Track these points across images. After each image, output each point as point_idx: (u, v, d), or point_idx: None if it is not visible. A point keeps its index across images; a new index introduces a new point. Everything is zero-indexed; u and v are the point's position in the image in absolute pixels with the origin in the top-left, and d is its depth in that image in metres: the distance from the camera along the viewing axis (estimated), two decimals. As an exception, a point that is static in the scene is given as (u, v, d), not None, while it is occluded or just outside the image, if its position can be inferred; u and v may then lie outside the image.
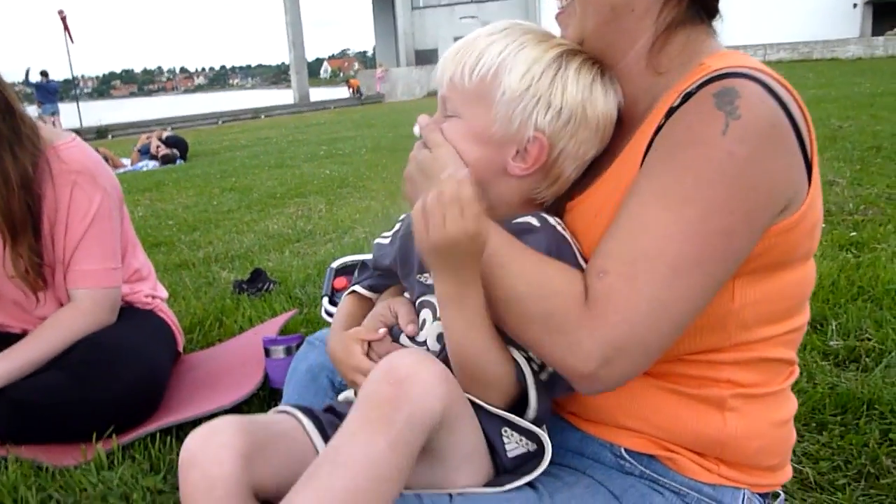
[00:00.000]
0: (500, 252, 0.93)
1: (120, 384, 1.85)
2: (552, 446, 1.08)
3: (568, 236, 1.01)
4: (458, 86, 1.01)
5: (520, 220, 1.03)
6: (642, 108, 0.99)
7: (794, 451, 1.59)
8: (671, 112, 0.90)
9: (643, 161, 0.92)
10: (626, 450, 1.02)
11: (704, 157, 0.84)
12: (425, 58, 32.15)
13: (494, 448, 1.01)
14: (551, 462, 1.06)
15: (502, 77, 0.98)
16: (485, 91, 0.99)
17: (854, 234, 3.24)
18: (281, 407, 1.13)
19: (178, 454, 1.68)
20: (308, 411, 1.10)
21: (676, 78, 0.95)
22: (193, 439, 0.98)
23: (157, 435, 1.82)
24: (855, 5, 25.62)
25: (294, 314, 2.65)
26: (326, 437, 1.01)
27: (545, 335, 0.89)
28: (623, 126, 1.03)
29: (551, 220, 1.03)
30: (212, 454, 0.96)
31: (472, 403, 0.99)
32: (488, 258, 0.91)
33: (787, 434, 1.06)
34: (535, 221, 1.02)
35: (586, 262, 0.98)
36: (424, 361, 0.90)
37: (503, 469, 1.02)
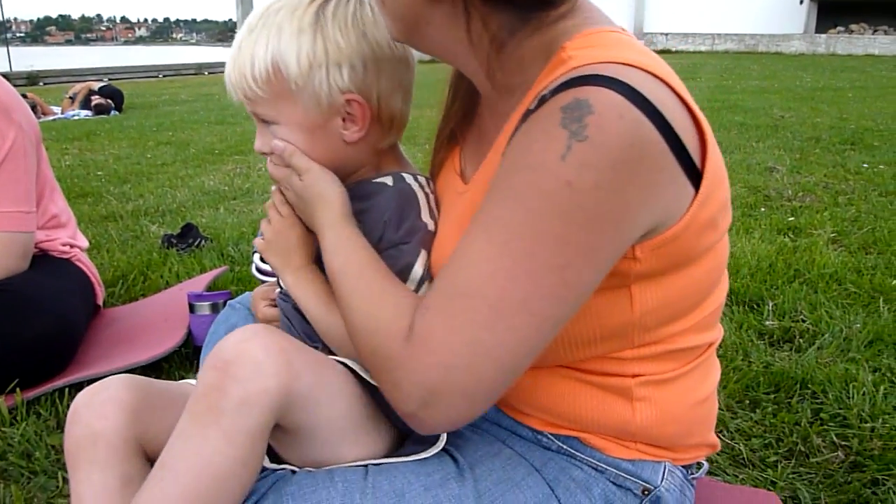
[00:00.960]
0: (344, 270, 0.90)
1: (28, 335, 1.72)
2: None
3: (419, 193, 1.00)
4: (255, 98, 0.98)
5: (378, 179, 1.02)
6: (514, 99, 0.88)
7: (727, 428, 1.59)
8: (527, 115, 0.77)
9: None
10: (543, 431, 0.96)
11: (538, 187, 0.71)
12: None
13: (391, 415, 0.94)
14: (471, 426, 1.01)
15: (283, 72, 0.94)
16: (279, 90, 0.96)
17: (792, 219, 3.29)
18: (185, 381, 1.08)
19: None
20: None
21: (536, 67, 0.83)
22: (81, 396, 0.93)
23: (67, 391, 1.70)
24: (801, 2, 26.27)
25: (224, 271, 2.54)
26: None
27: (373, 369, 0.83)
28: (496, 112, 0.93)
29: (408, 177, 1.02)
30: (97, 409, 0.91)
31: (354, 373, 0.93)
32: (332, 274, 0.91)
33: (706, 412, 0.99)
34: (389, 181, 1.01)
35: (435, 221, 0.99)
36: (255, 337, 0.82)
37: (407, 435, 0.96)
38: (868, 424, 1.58)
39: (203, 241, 3.02)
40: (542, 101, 0.74)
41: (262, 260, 2.08)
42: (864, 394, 1.69)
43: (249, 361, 0.79)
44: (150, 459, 0.94)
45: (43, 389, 1.70)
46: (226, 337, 0.83)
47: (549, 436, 0.95)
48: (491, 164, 0.89)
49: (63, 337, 1.82)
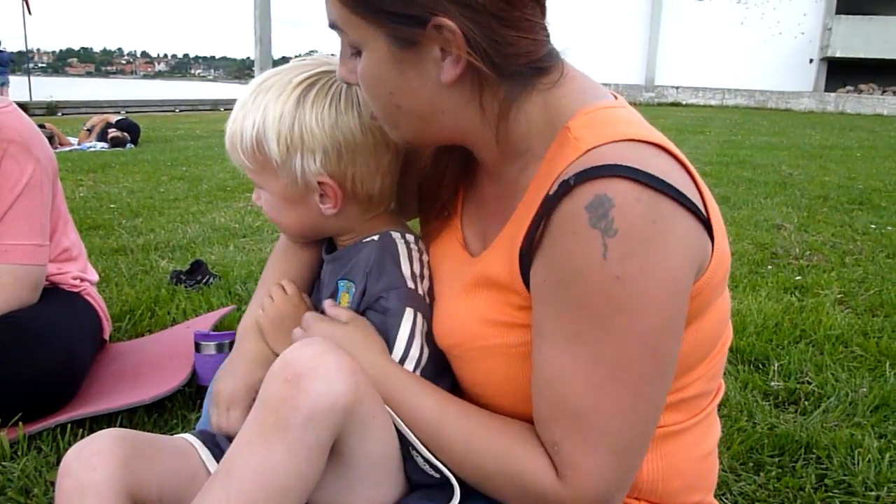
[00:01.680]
0: (440, 413, 0.91)
1: (34, 369, 1.73)
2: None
3: (401, 247, 1.03)
4: (245, 166, 1.05)
5: (366, 239, 1.07)
6: (520, 165, 0.91)
7: (730, 490, 1.58)
8: (547, 199, 0.80)
9: (525, 259, 0.84)
10: None
11: (595, 293, 0.76)
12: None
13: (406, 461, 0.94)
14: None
15: (265, 148, 1.00)
16: (264, 163, 1.02)
17: (799, 278, 3.29)
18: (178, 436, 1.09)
19: (88, 449, 1.57)
20: (209, 438, 1.07)
21: (543, 141, 0.86)
22: (72, 449, 0.94)
23: (69, 427, 1.70)
24: (811, 61, 26.62)
25: (231, 310, 2.55)
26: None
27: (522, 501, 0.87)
28: (502, 178, 0.95)
29: (395, 234, 1.05)
30: (85, 461, 0.91)
31: None
32: (422, 419, 0.91)
33: (709, 467, 1.01)
34: (375, 237, 1.06)
35: (420, 279, 1.02)
36: (326, 353, 0.83)
37: (414, 487, 0.96)
38: (873, 493, 1.56)
39: (211, 279, 3.03)
40: (563, 188, 0.78)
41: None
42: (869, 461, 1.67)
43: (322, 376, 0.80)
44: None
45: (45, 424, 1.70)
46: (298, 347, 0.84)
47: None
48: (510, 239, 0.89)
49: (69, 372, 1.82)
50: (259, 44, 32.42)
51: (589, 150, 0.79)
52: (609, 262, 0.75)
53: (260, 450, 0.80)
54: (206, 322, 2.36)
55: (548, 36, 0.86)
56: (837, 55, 24.98)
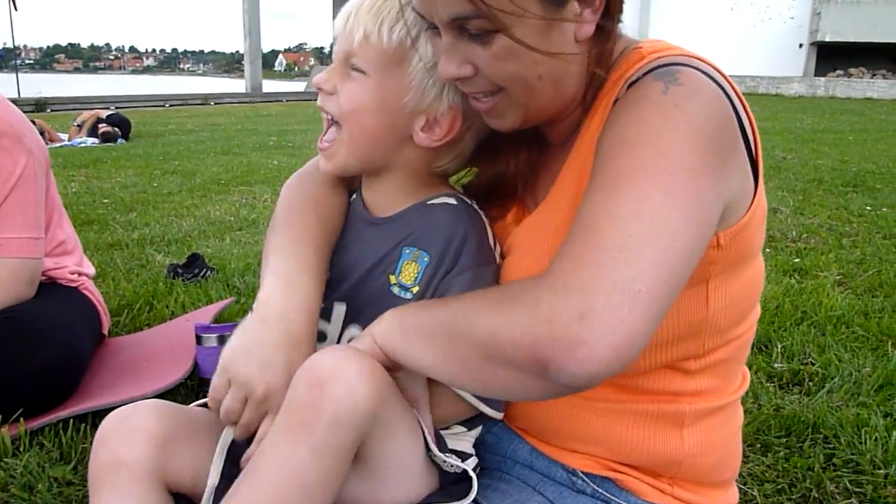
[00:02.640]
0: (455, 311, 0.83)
1: (33, 364, 1.70)
2: (501, 457, 1.03)
3: (484, 217, 1.01)
4: (372, 44, 0.93)
5: (435, 200, 1.00)
6: (576, 117, 0.94)
7: (739, 472, 1.57)
8: (616, 103, 0.85)
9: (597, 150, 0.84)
10: (578, 469, 0.97)
11: (651, 114, 0.77)
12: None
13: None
14: (501, 472, 1.01)
15: (421, 44, 0.92)
16: (402, 55, 0.93)
17: (797, 260, 3.29)
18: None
19: (92, 443, 1.56)
20: None
21: (612, 69, 0.90)
22: (110, 420, 0.93)
23: (71, 422, 1.68)
24: (801, 46, 26.64)
25: (230, 302, 2.53)
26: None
27: (498, 316, 0.73)
28: (554, 139, 0.99)
29: (468, 199, 1.02)
30: (123, 436, 0.91)
31: None
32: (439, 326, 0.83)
33: (737, 445, 1.04)
34: (452, 201, 1.00)
35: (500, 248, 1.00)
36: (348, 358, 0.83)
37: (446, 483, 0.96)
38: (882, 471, 1.56)
39: (209, 272, 3.01)
40: (632, 83, 0.83)
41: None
42: (876, 439, 1.67)
43: (344, 381, 0.80)
44: (171, 490, 0.94)
45: (47, 420, 1.68)
46: (321, 354, 0.84)
47: (585, 477, 0.95)
48: (570, 168, 0.92)
49: (68, 366, 1.80)
50: (248, 37, 32.21)
51: (658, 57, 0.85)
52: (669, 95, 0.77)
53: (285, 450, 0.80)
54: (205, 315, 2.34)
55: None
56: (827, 40, 25.00)
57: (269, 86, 41.83)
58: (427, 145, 0.97)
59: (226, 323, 2.14)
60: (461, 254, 0.95)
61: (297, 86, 43.41)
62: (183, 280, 2.91)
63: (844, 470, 1.57)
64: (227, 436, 0.95)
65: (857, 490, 1.51)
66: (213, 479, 0.92)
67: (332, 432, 0.79)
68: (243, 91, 29.86)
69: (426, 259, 0.97)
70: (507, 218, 1.04)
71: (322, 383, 0.80)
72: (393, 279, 0.99)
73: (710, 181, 0.75)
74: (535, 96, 0.87)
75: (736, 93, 0.84)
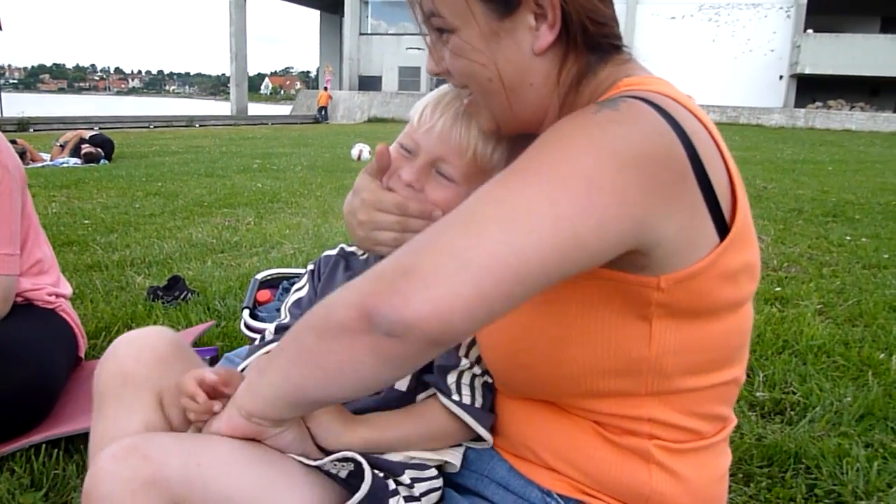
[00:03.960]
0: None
1: (7, 386, 1.66)
2: (479, 475, 1.02)
3: None
4: (474, 161, 1.01)
5: None
6: None
7: (721, 502, 1.56)
8: None
9: None
10: (553, 490, 0.95)
11: (571, 124, 0.77)
12: (369, 84, 32.13)
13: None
14: (476, 495, 1.00)
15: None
16: (490, 168, 1.00)
17: (778, 289, 3.31)
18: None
19: (65, 469, 1.52)
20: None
21: (595, 96, 0.89)
22: (124, 336, 1.01)
23: (44, 447, 1.64)
24: (781, 77, 27.12)
25: (211, 325, 2.50)
26: None
27: (334, 300, 0.74)
28: None
29: None
30: (135, 351, 0.97)
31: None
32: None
33: (721, 491, 0.99)
34: None
35: None
36: (103, 468, 0.81)
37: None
38: (863, 502, 1.56)
39: (189, 295, 2.98)
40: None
41: (251, 316, 2.05)
42: (857, 469, 1.67)
43: (102, 497, 0.79)
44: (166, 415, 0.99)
45: (18, 445, 1.64)
46: (103, 457, 0.82)
47: (559, 499, 0.93)
48: None
49: (43, 390, 1.76)
50: (234, 60, 32.37)
51: (628, 88, 0.83)
52: (599, 116, 0.76)
53: None
54: (185, 338, 2.30)
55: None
56: (806, 72, 25.50)
57: (255, 109, 41.92)
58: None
59: (206, 347, 2.11)
60: None
61: (283, 109, 43.60)
62: (163, 302, 2.88)
63: (826, 501, 1.57)
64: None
65: (839, 521, 1.51)
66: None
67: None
68: (229, 113, 29.92)
69: None
70: None
71: (87, 495, 0.80)
72: None
73: (611, 199, 0.70)
74: (491, 99, 0.90)
75: (719, 147, 0.81)
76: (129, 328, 2.56)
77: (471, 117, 1.00)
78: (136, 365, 0.96)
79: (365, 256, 1.14)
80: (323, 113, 29.59)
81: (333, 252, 1.19)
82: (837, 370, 2.34)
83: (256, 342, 1.18)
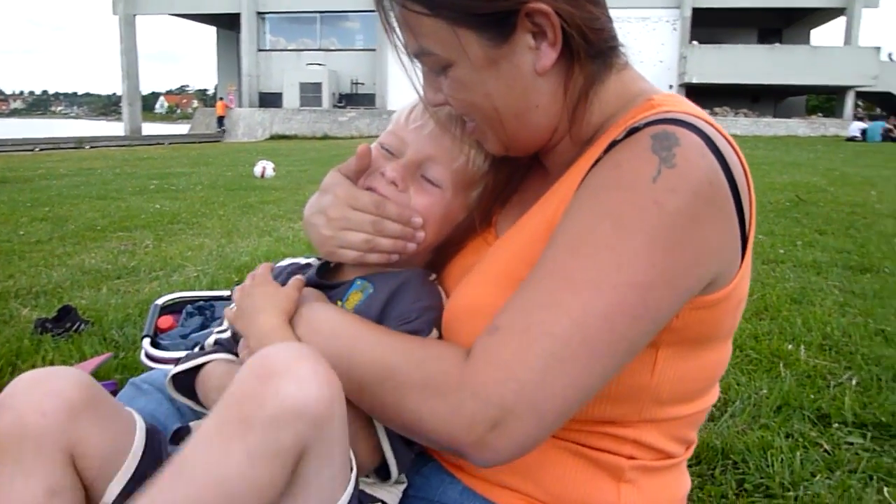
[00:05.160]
0: (351, 328, 0.85)
1: None
2: (429, 501, 0.96)
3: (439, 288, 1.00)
4: (467, 169, 0.97)
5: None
6: (572, 152, 0.91)
7: None
8: (613, 145, 0.80)
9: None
10: None
11: (628, 202, 0.74)
12: (270, 101, 31.48)
13: None
14: None
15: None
16: (477, 181, 0.98)
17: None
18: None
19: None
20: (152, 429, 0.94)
21: (620, 114, 0.86)
22: (21, 380, 0.82)
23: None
24: (671, 87, 28.42)
25: (108, 358, 2.30)
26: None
27: (423, 404, 0.76)
28: (556, 164, 0.95)
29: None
30: (36, 400, 0.79)
31: None
32: (335, 337, 0.85)
33: None
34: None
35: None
36: (304, 356, 0.73)
37: None
38: (791, 493, 1.57)
39: (82, 325, 2.75)
40: (632, 132, 0.78)
41: (152, 345, 1.90)
42: (782, 461, 1.69)
43: (295, 378, 0.70)
44: (79, 474, 0.82)
45: None
46: (273, 347, 0.74)
47: None
48: (548, 202, 0.88)
49: None
50: (126, 78, 31.11)
51: (668, 111, 0.80)
52: (656, 187, 0.73)
53: (216, 449, 0.69)
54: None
55: None
56: (694, 81, 26.79)
57: (150, 128, 40.42)
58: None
59: (103, 381, 1.94)
60: (405, 291, 0.94)
61: (180, 128, 42.25)
62: (53, 335, 2.64)
63: (757, 495, 1.58)
64: (141, 433, 0.87)
65: (771, 515, 1.51)
66: (121, 481, 0.83)
67: (271, 433, 0.69)
68: (122, 134, 28.69)
69: (370, 290, 0.96)
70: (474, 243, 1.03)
71: (270, 375, 0.70)
72: (339, 304, 0.97)
73: (663, 293, 0.74)
74: (498, 128, 0.87)
75: (740, 160, 0.81)
76: (14, 366, 2.33)
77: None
78: (38, 416, 0.79)
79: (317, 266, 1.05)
80: (221, 123, 29.00)
81: (285, 262, 1.09)
82: (751, 363, 2.40)
83: (189, 356, 1.07)
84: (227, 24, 33.71)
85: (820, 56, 25.42)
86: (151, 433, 0.91)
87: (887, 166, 11.40)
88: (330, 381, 0.73)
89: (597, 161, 0.81)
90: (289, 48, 32.55)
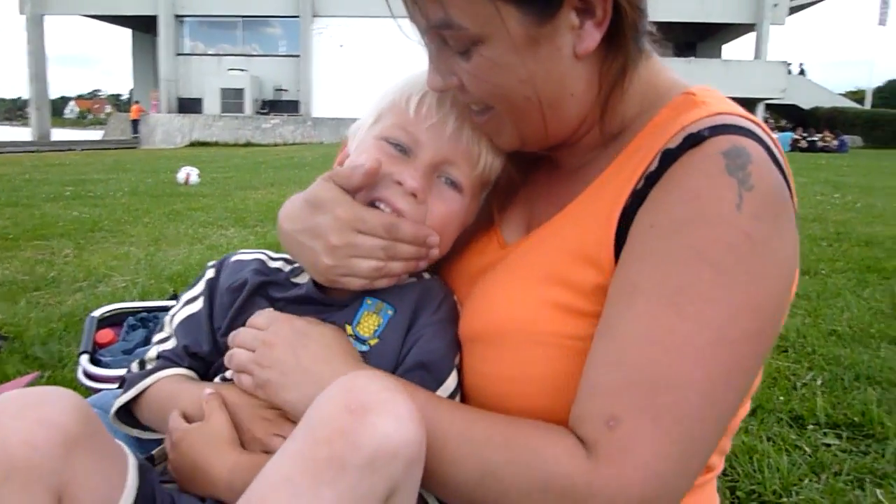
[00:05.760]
0: (444, 424, 0.71)
1: None
2: None
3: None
4: (483, 172, 0.86)
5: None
6: (598, 146, 0.83)
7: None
8: (668, 155, 0.71)
9: (625, 210, 0.74)
10: None
11: (721, 242, 0.66)
12: (189, 106, 30.51)
13: None
14: None
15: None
16: (489, 183, 0.89)
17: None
18: None
19: None
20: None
21: (655, 107, 0.79)
22: (7, 401, 0.67)
23: None
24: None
25: (35, 377, 2.08)
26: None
27: None
28: (564, 163, 0.88)
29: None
30: (25, 429, 0.64)
31: None
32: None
33: None
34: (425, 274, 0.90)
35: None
36: (397, 390, 0.63)
37: None
38: (785, 500, 1.53)
39: (1, 342, 2.50)
40: (694, 139, 0.70)
41: (91, 361, 1.70)
42: (769, 465, 1.65)
43: (392, 413, 0.59)
44: None
45: None
46: (360, 375, 0.64)
47: None
48: (587, 211, 0.78)
49: None
50: (33, 81, 29.66)
51: (720, 113, 0.72)
52: (743, 215, 0.66)
53: (306, 498, 0.57)
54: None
55: None
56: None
57: (60, 134, 38.54)
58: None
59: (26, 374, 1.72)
60: (426, 307, 0.84)
61: (93, 134, 40.57)
62: (-34, 354, 2.38)
63: (751, 502, 1.52)
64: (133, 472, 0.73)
65: (769, 524, 1.46)
66: None
67: (366, 476, 0.58)
68: (29, 139, 27.28)
69: (389, 313, 0.84)
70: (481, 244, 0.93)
71: (366, 410, 0.59)
72: (349, 330, 0.84)
73: (770, 332, 0.69)
74: (525, 119, 0.77)
75: (778, 149, 0.75)
76: (-77, 389, 2.07)
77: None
78: (28, 449, 0.64)
79: (300, 280, 0.89)
80: (135, 127, 28.00)
81: (248, 258, 0.92)
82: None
83: (133, 370, 0.91)
84: (143, 26, 32.57)
85: (733, 69, 26.55)
86: (144, 469, 0.77)
87: (801, 174, 11.93)
88: (420, 417, 0.63)
89: (651, 174, 0.72)
90: (209, 53, 31.72)
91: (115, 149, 24.73)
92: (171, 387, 0.87)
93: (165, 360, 0.91)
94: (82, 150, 22.99)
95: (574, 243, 0.77)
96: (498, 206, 0.95)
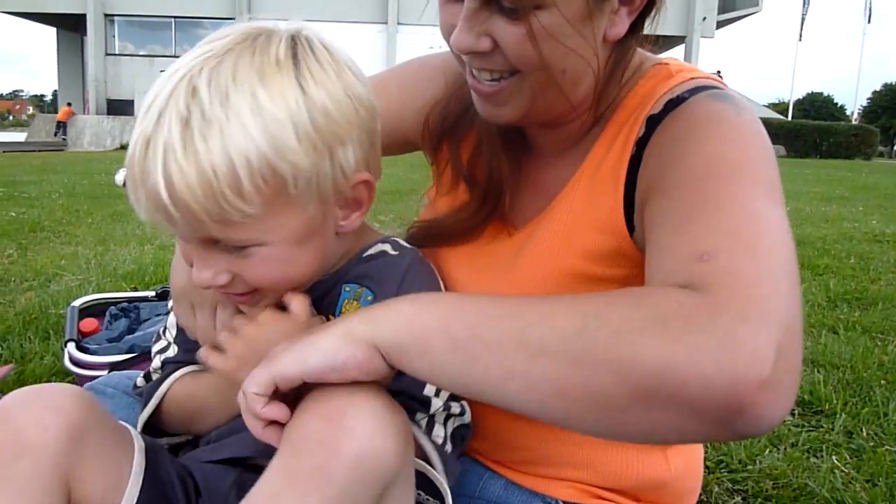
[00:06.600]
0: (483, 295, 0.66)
1: None
2: (470, 497, 0.92)
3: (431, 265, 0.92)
4: (234, 218, 0.70)
5: (371, 250, 0.87)
6: (586, 125, 0.88)
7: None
8: (651, 119, 0.78)
9: (632, 167, 0.80)
10: (560, 499, 0.89)
11: (733, 129, 0.72)
12: (119, 108, 29.60)
13: None
14: None
15: (280, 170, 0.70)
16: (273, 194, 0.71)
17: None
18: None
19: None
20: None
21: (631, 83, 0.85)
22: (14, 394, 0.70)
23: None
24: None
25: (11, 369, 2.04)
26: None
27: (674, 344, 0.53)
28: (546, 146, 0.93)
29: (406, 245, 0.91)
30: (36, 413, 0.69)
31: None
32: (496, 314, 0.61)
33: (701, 472, 1.03)
34: (389, 249, 0.88)
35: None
36: (372, 393, 0.64)
37: None
38: (751, 467, 1.65)
39: (-41, 339, 2.43)
40: (676, 101, 0.76)
41: (78, 349, 1.69)
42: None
43: (369, 416, 0.60)
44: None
45: None
46: (332, 386, 0.62)
47: None
48: (580, 183, 0.85)
49: None
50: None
51: (694, 78, 0.79)
52: (744, 119, 0.73)
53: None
54: (-25, 388, 1.85)
55: None
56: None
57: (-22, 135, 36.80)
58: (357, 220, 0.83)
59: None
60: (404, 286, 0.84)
61: (15, 136, 38.96)
62: (-76, 351, 2.31)
63: (721, 471, 1.64)
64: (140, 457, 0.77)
65: (739, 489, 1.58)
66: None
67: (352, 482, 0.59)
68: (-55, 140, 25.95)
69: (369, 298, 0.84)
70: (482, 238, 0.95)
71: (341, 415, 0.60)
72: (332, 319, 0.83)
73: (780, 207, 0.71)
74: (547, 91, 0.80)
75: None
76: None
77: None
78: (40, 430, 0.67)
79: None
80: (62, 129, 26.83)
81: None
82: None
83: (140, 385, 0.94)
84: (70, 25, 31.47)
85: (663, 80, 27.48)
86: (151, 450, 0.80)
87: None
88: (400, 419, 0.65)
89: (640, 139, 0.79)
90: (140, 54, 30.89)
91: (41, 151, 23.77)
92: (188, 385, 0.90)
93: (172, 364, 0.93)
94: (4, 151, 22.04)
95: (588, 215, 0.82)
96: (500, 197, 0.96)
